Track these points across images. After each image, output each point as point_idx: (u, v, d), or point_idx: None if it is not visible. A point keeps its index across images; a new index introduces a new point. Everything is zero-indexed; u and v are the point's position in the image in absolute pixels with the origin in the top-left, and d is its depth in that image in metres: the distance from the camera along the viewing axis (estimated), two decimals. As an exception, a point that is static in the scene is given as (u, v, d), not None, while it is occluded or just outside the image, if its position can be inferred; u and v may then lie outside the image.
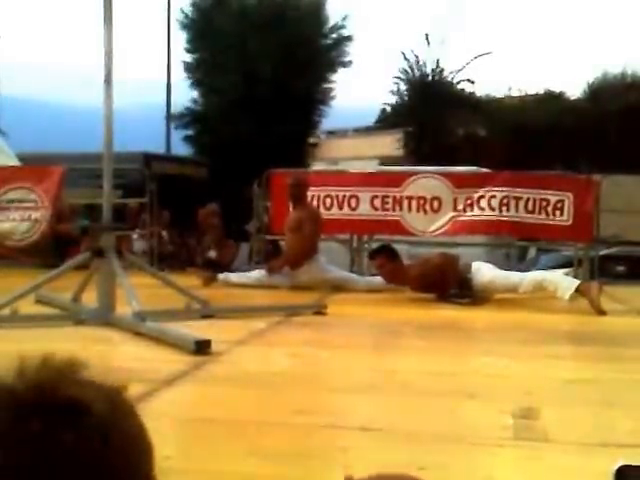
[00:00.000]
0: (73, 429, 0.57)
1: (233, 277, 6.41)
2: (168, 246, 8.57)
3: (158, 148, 14.97)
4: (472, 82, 16.23)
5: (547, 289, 5.15)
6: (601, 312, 4.77)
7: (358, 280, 6.36)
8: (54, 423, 0.57)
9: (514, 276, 5.42)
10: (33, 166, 8.16)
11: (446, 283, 5.31)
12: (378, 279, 6.41)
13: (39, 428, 0.57)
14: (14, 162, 8.62)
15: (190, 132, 15.36)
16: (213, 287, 6.07)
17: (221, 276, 6.40)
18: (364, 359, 3.35)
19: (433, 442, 2.09)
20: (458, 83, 16.32)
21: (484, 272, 5.36)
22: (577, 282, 5.07)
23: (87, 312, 4.08)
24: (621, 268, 7.84)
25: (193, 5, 15.30)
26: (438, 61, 16.15)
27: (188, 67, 15.14)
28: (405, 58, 16.20)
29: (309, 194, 6.88)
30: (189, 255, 8.43)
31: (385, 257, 5.61)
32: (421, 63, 16.21)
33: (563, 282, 5.10)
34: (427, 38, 15.88)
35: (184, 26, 15.26)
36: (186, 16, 15.27)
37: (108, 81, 4.10)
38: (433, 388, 2.75)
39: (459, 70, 16.14)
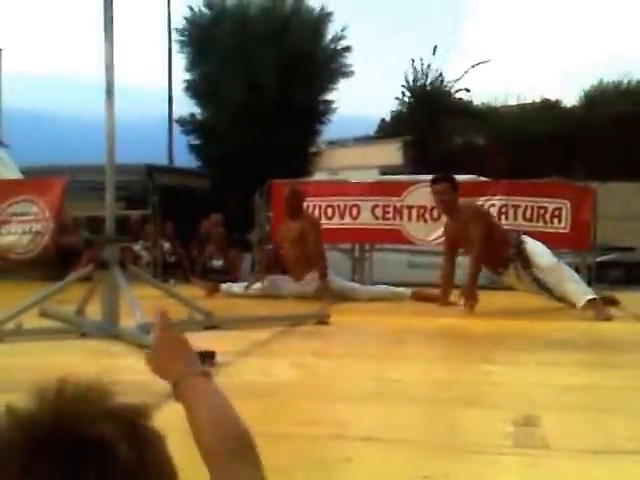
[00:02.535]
0: (98, 472, 0.55)
1: (236, 288, 6.44)
2: (171, 257, 8.61)
3: (160, 159, 15.05)
4: (468, 90, 16.29)
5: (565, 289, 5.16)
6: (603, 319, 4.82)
7: (360, 289, 6.40)
8: (77, 464, 0.54)
9: (549, 256, 5.42)
10: (35, 178, 8.21)
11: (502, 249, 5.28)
12: (380, 287, 6.44)
13: (61, 470, 0.54)
14: (17, 175, 8.66)
15: (193, 140, 15.44)
16: (216, 297, 6.11)
17: (224, 286, 6.43)
18: (367, 368, 3.37)
19: (436, 451, 2.11)
20: (457, 92, 16.39)
21: (530, 242, 5.41)
22: (593, 295, 5.04)
23: (91, 325, 4.11)
24: (618, 274, 7.87)
25: (193, 17, 15.40)
26: (441, 71, 16.23)
27: (188, 83, 15.24)
28: (413, 67, 16.27)
29: (312, 204, 6.93)
30: (192, 266, 8.48)
31: (451, 186, 5.56)
32: (425, 72, 16.27)
33: (580, 290, 5.10)
34: (435, 49, 15.95)
35: (183, 44, 15.35)
36: (182, 33, 15.32)
37: (109, 93, 4.14)
38: (435, 397, 2.77)
39: (458, 79, 16.22)
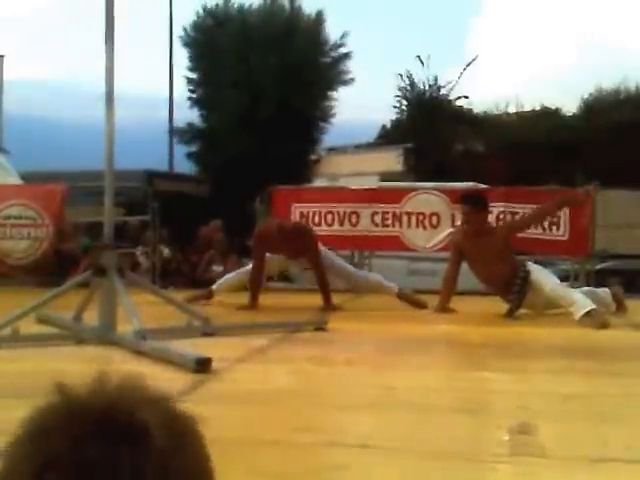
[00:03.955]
0: (131, 457, 0.56)
1: (228, 277, 6.34)
2: (171, 263, 8.60)
3: (161, 165, 15.09)
4: (466, 97, 16.37)
5: (564, 303, 5.15)
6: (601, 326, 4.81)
7: (353, 273, 6.30)
8: (113, 449, 0.56)
9: (553, 279, 5.43)
10: (35, 184, 8.22)
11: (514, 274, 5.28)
12: (372, 276, 6.39)
13: (97, 453, 0.56)
14: (17, 180, 8.68)
15: (193, 149, 15.48)
16: (212, 303, 6.06)
17: (215, 286, 6.34)
18: (364, 375, 3.36)
19: (432, 459, 2.10)
20: (457, 99, 16.46)
21: (535, 269, 5.39)
22: (592, 307, 4.99)
23: (88, 331, 4.10)
24: (617, 281, 7.91)
25: (195, 24, 15.48)
26: (436, 78, 16.32)
27: (189, 90, 15.32)
28: (401, 78, 16.40)
29: (311, 210, 6.93)
30: (191, 272, 8.47)
31: (477, 206, 5.56)
32: (417, 81, 16.39)
33: (579, 301, 5.06)
34: (420, 59, 16.09)
35: (186, 44, 15.43)
36: (188, 35, 15.43)
37: (109, 99, 4.14)
38: (432, 404, 2.76)
39: (454, 84, 16.31)
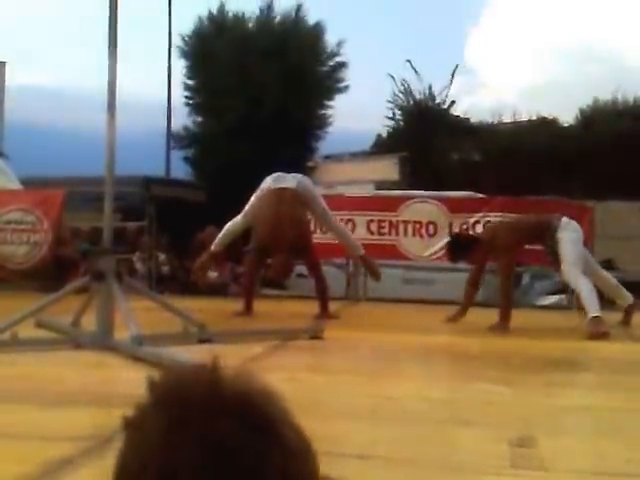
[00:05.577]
0: (262, 447, 0.58)
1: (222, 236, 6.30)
2: (165, 267, 8.59)
3: (158, 170, 15.06)
4: (453, 102, 16.49)
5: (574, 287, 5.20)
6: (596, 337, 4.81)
7: (329, 218, 6.33)
8: (245, 432, 0.58)
9: (573, 257, 5.29)
10: (34, 189, 8.21)
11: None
12: (343, 228, 6.45)
13: (229, 431, 0.57)
14: (17, 186, 8.67)
15: (189, 153, 15.48)
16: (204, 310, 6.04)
17: (213, 247, 6.29)
18: (361, 385, 3.35)
19: (430, 470, 2.10)
20: (450, 106, 16.55)
21: (564, 239, 5.31)
22: (597, 313, 4.97)
23: (86, 336, 4.10)
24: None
25: (193, 31, 15.52)
26: (430, 87, 16.41)
27: (188, 96, 15.34)
28: (394, 81, 16.48)
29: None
30: (186, 278, 8.45)
31: (471, 245, 5.53)
32: (412, 90, 16.45)
33: (587, 300, 5.05)
34: (412, 65, 16.17)
35: (183, 52, 15.47)
36: (186, 43, 15.46)
37: (111, 107, 4.15)
38: (430, 415, 2.76)
39: (445, 92, 16.42)
